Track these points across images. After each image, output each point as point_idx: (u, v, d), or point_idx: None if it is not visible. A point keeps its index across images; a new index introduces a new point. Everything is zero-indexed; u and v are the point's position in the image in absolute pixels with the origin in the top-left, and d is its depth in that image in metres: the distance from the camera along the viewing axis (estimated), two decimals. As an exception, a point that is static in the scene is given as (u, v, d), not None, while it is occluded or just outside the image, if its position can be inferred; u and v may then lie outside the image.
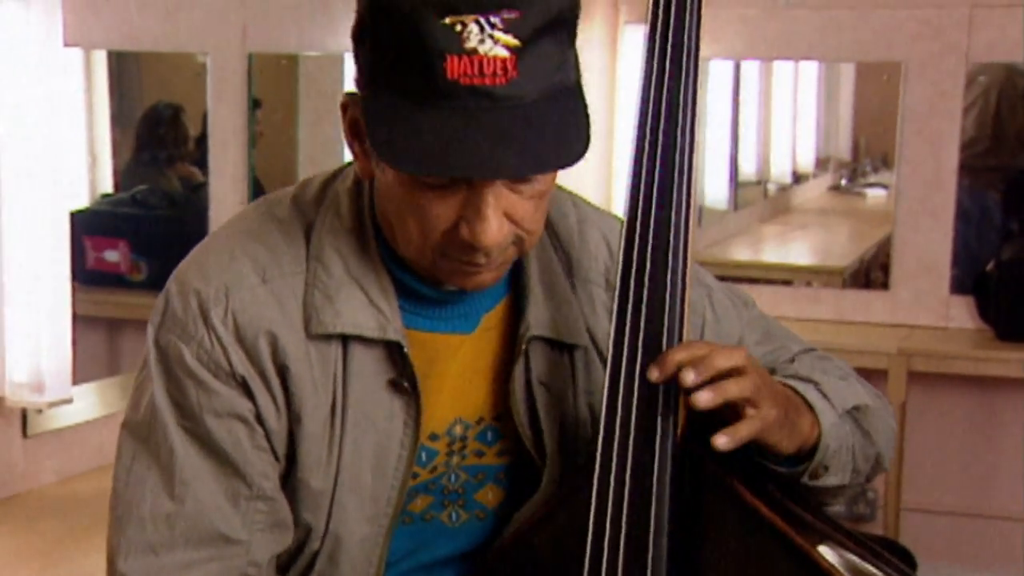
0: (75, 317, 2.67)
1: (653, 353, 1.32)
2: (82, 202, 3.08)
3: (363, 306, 1.33)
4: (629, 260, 1.34)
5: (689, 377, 1.25)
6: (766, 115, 5.34)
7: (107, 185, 3.23)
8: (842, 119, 5.60)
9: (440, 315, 1.37)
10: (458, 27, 1.14)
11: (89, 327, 3.03)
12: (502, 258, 1.28)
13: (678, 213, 1.35)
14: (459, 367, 1.39)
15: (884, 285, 3.98)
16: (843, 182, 5.88)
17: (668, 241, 1.34)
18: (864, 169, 5.77)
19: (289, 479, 1.35)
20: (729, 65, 4.84)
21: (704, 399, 1.24)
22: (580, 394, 1.42)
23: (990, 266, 3.63)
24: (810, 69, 5.14)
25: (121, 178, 3.25)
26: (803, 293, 4.28)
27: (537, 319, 1.38)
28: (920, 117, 3.75)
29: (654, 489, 1.32)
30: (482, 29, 1.14)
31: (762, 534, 1.30)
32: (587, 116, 1.23)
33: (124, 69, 3.16)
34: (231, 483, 1.32)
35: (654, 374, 1.28)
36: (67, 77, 2.65)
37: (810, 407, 1.34)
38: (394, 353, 1.34)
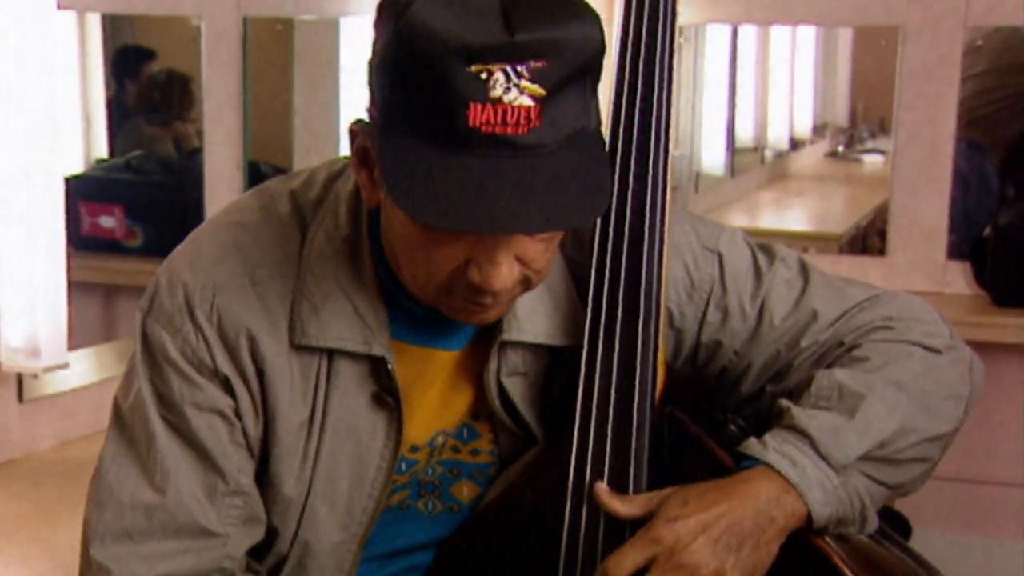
0: (71, 283, 2.66)
1: (631, 316, 1.33)
2: (77, 167, 3.07)
3: (350, 319, 1.31)
4: (605, 230, 1.34)
5: None
6: (763, 81, 5.33)
7: (102, 150, 3.22)
8: (840, 85, 5.58)
9: (430, 330, 1.36)
10: (484, 75, 1.12)
11: (85, 293, 3.02)
12: (508, 297, 1.27)
13: (655, 181, 1.35)
14: (444, 380, 1.38)
15: (881, 251, 3.97)
16: (840, 148, 5.86)
17: (644, 208, 1.34)
18: (861, 135, 5.75)
19: (261, 480, 1.35)
20: (726, 30, 4.83)
21: None
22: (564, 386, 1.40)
23: (987, 232, 3.62)
24: (808, 34, 5.12)
25: (116, 143, 3.24)
26: (800, 259, 4.27)
27: (520, 324, 1.35)
28: (918, 82, 3.74)
29: (632, 452, 1.32)
30: (508, 78, 1.12)
31: None
32: (606, 162, 1.21)
33: (118, 32, 3.14)
34: (209, 477, 1.32)
35: (603, 496, 1.30)
36: (61, 40, 2.63)
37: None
38: (379, 367, 1.33)
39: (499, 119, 1.13)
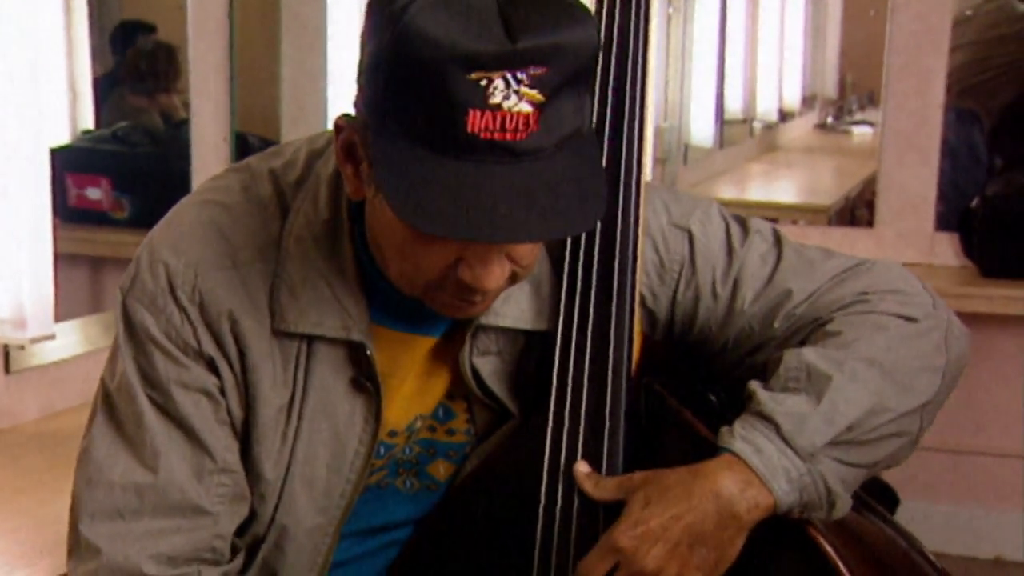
0: (58, 255, 2.65)
1: (606, 292, 1.32)
2: (63, 139, 3.05)
3: (329, 305, 1.31)
4: None
5: None
6: (752, 53, 5.32)
7: (88, 121, 3.20)
8: (829, 57, 5.58)
9: (410, 315, 1.35)
10: (484, 82, 1.11)
11: (72, 265, 3.01)
12: (496, 293, 1.27)
13: (629, 156, 1.35)
14: (422, 366, 1.38)
15: (869, 223, 3.97)
16: (829, 120, 5.86)
17: (619, 184, 1.34)
18: (850, 107, 5.75)
19: (243, 460, 1.35)
20: (715, 1, 4.82)
21: None
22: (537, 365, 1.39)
23: (975, 203, 3.62)
24: (797, 5, 5.11)
25: (102, 114, 3.23)
26: (788, 231, 4.26)
27: (495, 309, 1.34)
28: (906, 52, 3.73)
29: (607, 428, 1.33)
30: (508, 85, 1.11)
31: None
32: (601, 164, 1.21)
33: (104, 2, 3.12)
34: (197, 456, 1.32)
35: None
36: (46, 10, 2.62)
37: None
38: (358, 352, 1.32)
39: (498, 125, 1.12)
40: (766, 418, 1.28)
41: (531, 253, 1.24)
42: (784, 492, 1.26)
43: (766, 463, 1.26)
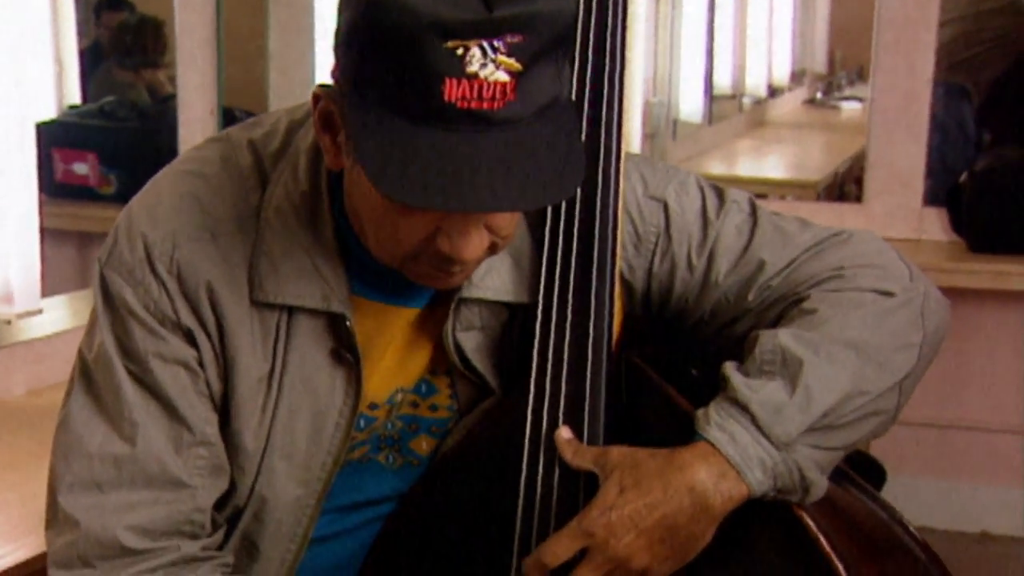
0: (45, 230, 2.64)
1: (586, 265, 1.32)
2: (49, 113, 3.04)
3: (308, 275, 1.30)
4: None
5: None
6: (741, 27, 5.32)
7: (74, 96, 3.19)
8: (818, 32, 5.58)
9: (390, 287, 1.34)
10: (460, 51, 1.10)
11: (59, 240, 3.00)
12: (475, 263, 1.26)
13: (608, 127, 1.34)
14: (403, 339, 1.38)
15: (858, 198, 3.97)
16: (818, 95, 5.86)
17: (598, 155, 1.34)
18: (839, 82, 5.75)
19: (221, 434, 1.34)
20: (705, -24, 4.81)
21: None
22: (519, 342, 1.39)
23: (963, 178, 3.62)
24: (786, -21, 5.11)
25: (88, 89, 3.21)
26: (777, 207, 4.26)
27: (477, 282, 1.34)
28: (896, 27, 3.72)
29: (587, 401, 1.33)
30: (485, 53, 1.10)
31: None
32: (579, 133, 1.21)
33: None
34: (175, 428, 1.31)
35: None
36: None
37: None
38: (338, 324, 1.32)
39: (475, 94, 1.11)
40: (741, 406, 1.27)
41: (510, 223, 1.23)
42: (758, 482, 1.26)
43: (741, 453, 1.26)
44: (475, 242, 1.20)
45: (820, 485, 1.28)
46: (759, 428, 1.26)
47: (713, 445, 1.26)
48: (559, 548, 1.27)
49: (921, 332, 1.36)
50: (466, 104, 1.11)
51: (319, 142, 1.26)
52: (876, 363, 1.31)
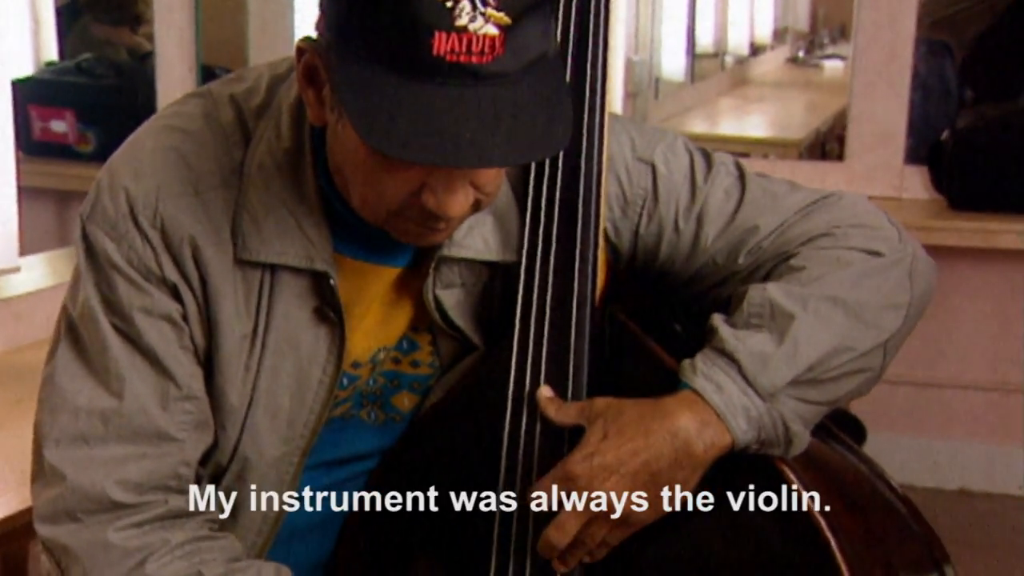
0: (22, 188, 2.63)
1: (570, 221, 1.32)
2: (26, 70, 3.01)
3: (291, 233, 1.29)
4: None
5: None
6: (724, -15, 5.30)
7: (52, 53, 3.16)
8: (800, -11, 5.57)
9: (373, 246, 1.34)
10: (450, 3, 1.09)
11: (37, 198, 2.98)
12: (459, 220, 1.25)
13: (593, 82, 1.34)
14: (386, 297, 1.37)
15: (839, 157, 3.97)
16: (801, 54, 5.86)
17: (583, 110, 1.33)
18: (822, 41, 5.74)
19: (207, 388, 1.34)
20: (687, -68, 4.79)
21: None
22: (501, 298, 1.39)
23: (945, 135, 3.62)
24: (768, -63, 5.09)
25: (65, 45, 3.19)
26: (759, 165, 4.27)
27: (458, 240, 1.34)
28: (878, -16, 3.71)
29: (571, 357, 1.33)
30: (474, 7, 1.09)
31: None
32: (567, 89, 1.20)
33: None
34: (161, 382, 1.31)
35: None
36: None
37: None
38: (321, 282, 1.31)
39: (464, 47, 1.10)
40: (728, 356, 1.27)
41: (495, 180, 1.23)
42: (742, 431, 1.26)
43: (726, 402, 1.26)
44: (460, 198, 1.20)
45: (803, 438, 1.28)
46: (745, 378, 1.26)
47: (698, 394, 1.26)
48: (543, 494, 1.28)
49: (909, 294, 1.36)
50: (455, 58, 1.10)
51: (303, 96, 1.25)
52: (863, 321, 1.31)
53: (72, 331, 1.33)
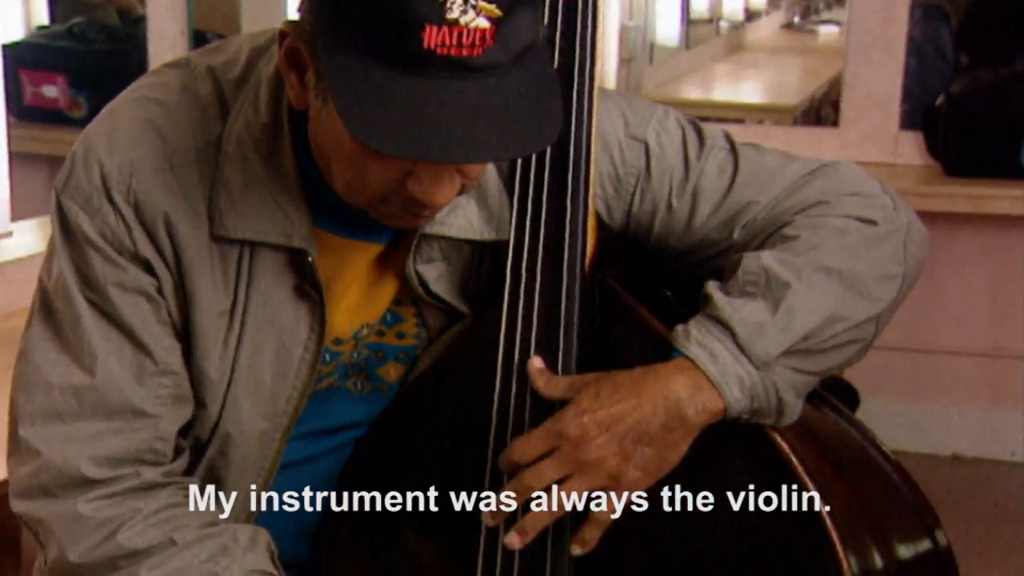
0: (14, 154, 2.62)
1: (559, 189, 1.31)
2: (17, 34, 3.00)
3: (269, 210, 1.28)
4: None
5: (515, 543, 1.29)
6: (719, -51, 5.28)
7: (43, 17, 3.15)
8: (796, -46, 5.54)
9: (353, 222, 1.32)
10: None
11: (29, 164, 2.98)
12: (445, 207, 1.25)
13: (583, 47, 1.33)
14: (367, 274, 1.36)
15: (834, 123, 3.96)
16: (796, 19, 5.84)
17: (572, 77, 1.32)
18: (817, 6, 5.73)
19: (186, 364, 1.33)
20: None
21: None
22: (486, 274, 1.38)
23: (940, 101, 3.61)
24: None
25: (56, 10, 3.17)
26: (754, 131, 4.27)
27: (441, 218, 1.32)
28: (874, -51, 3.70)
29: (561, 327, 1.32)
30: (466, 0, 1.08)
31: None
32: (556, 79, 1.19)
33: None
34: (137, 357, 1.30)
35: (513, 541, 1.30)
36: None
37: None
38: (300, 259, 1.30)
39: (454, 41, 1.09)
40: (723, 324, 1.26)
41: (481, 167, 1.23)
42: (735, 399, 1.25)
43: (720, 370, 1.25)
44: (447, 187, 1.19)
45: (795, 408, 1.28)
46: (739, 346, 1.26)
47: (692, 361, 1.26)
48: (528, 446, 1.27)
49: (903, 265, 1.35)
50: (445, 51, 1.09)
51: (285, 79, 1.23)
52: (857, 291, 1.31)
53: (46, 305, 1.32)
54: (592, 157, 1.33)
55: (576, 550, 1.29)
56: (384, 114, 1.10)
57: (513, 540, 1.29)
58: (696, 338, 1.27)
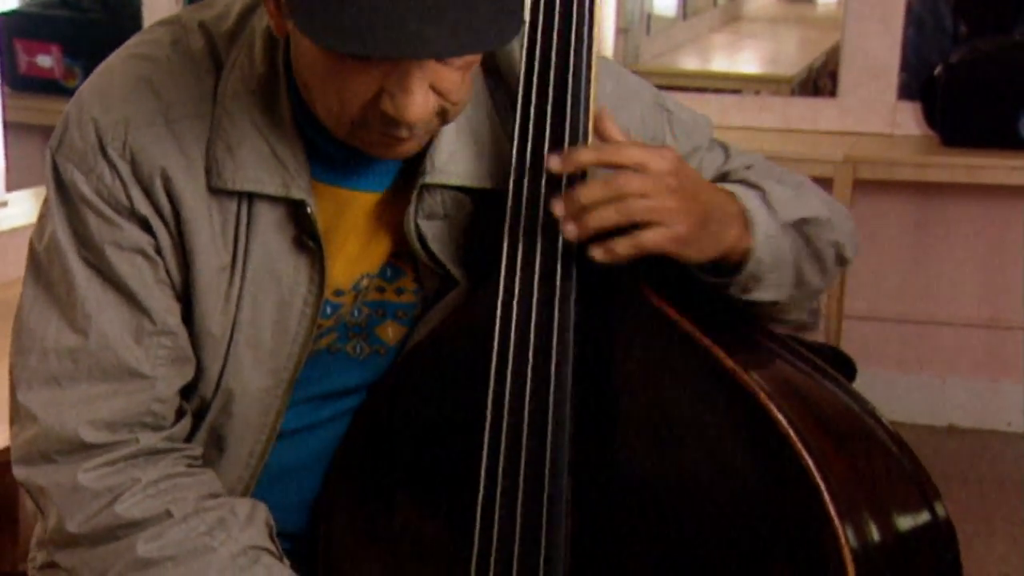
0: (8, 124, 2.62)
1: (558, 141, 1.31)
2: (11, 3, 2.99)
3: (267, 161, 1.28)
4: (532, 50, 1.31)
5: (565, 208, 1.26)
6: (717, -82, 5.26)
7: (36, -15, 3.14)
8: (794, -77, 5.52)
9: (351, 171, 1.32)
10: None
11: (24, 134, 2.97)
12: (425, 129, 1.24)
13: (580, 12, 1.32)
14: (366, 223, 1.36)
15: (832, 93, 3.96)
16: (794, -11, 5.83)
17: (571, 21, 1.31)
18: (815, -24, 5.70)
19: (185, 322, 1.32)
20: None
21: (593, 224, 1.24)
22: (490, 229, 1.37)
23: (938, 71, 3.60)
24: None
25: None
26: (751, 102, 4.26)
27: (441, 167, 1.32)
28: (872, -83, 3.69)
29: (559, 286, 1.31)
30: None
31: (675, 344, 1.28)
32: None
33: None
34: (135, 317, 1.29)
35: (554, 163, 1.26)
36: None
37: (746, 217, 1.31)
38: (299, 210, 1.30)
39: None
40: (752, 185, 1.34)
41: (458, 87, 1.21)
42: (762, 243, 1.29)
43: (756, 210, 1.30)
44: (419, 101, 1.18)
45: (781, 290, 1.34)
46: (767, 203, 1.32)
47: (734, 196, 1.31)
48: (592, 192, 1.25)
49: (852, 250, 1.45)
50: None
51: (264, 6, 1.23)
52: (830, 218, 1.41)
53: (37, 268, 1.32)
54: (591, 121, 1.32)
55: (598, 254, 1.26)
56: (339, 14, 1.10)
57: (571, 230, 1.26)
58: (732, 188, 1.33)
